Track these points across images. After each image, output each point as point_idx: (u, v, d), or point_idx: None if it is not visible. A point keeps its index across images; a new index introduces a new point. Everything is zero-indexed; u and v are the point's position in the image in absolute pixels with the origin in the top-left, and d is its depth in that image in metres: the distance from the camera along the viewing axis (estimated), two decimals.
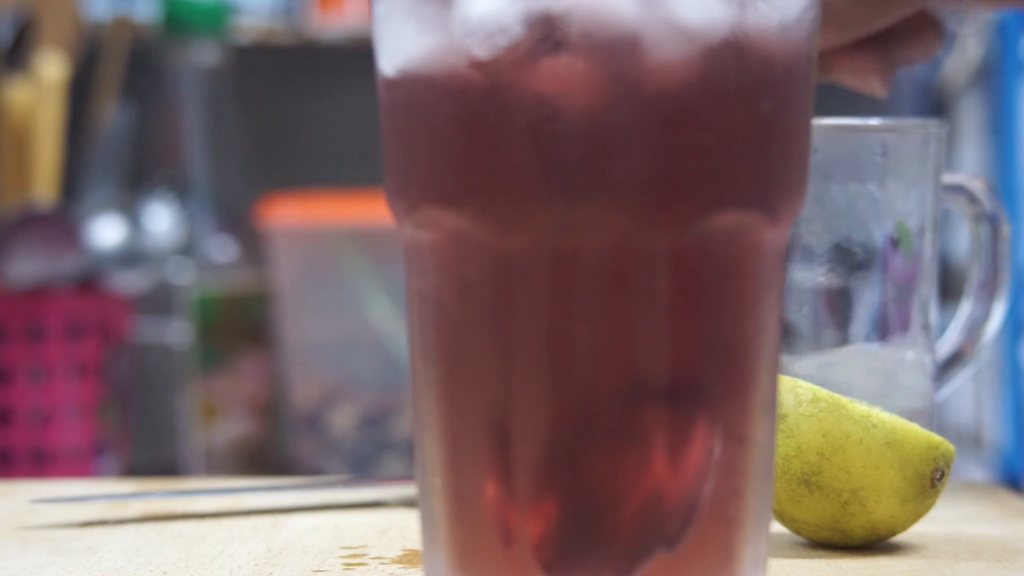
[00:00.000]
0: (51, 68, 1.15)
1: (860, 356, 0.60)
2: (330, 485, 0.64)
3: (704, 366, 0.42)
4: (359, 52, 1.38)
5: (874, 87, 0.61)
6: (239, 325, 1.31)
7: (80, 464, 1.13)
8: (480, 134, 0.41)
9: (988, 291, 0.65)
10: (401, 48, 0.43)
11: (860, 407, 0.51)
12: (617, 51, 0.40)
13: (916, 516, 0.52)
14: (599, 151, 0.40)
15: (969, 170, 1.59)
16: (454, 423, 0.42)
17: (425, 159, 0.42)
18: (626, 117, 0.40)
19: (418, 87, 0.42)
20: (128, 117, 1.27)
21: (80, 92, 1.20)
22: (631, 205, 0.40)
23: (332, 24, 1.49)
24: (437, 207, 0.42)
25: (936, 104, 1.62)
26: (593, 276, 0.40)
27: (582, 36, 0.40)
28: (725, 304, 0.42)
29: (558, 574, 0.41)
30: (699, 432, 0.41)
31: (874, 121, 0.61)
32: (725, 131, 0.41)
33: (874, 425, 0.51)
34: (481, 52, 0.41)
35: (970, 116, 1.59)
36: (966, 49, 1.49)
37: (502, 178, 0.40)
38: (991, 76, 1.45)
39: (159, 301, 1.27)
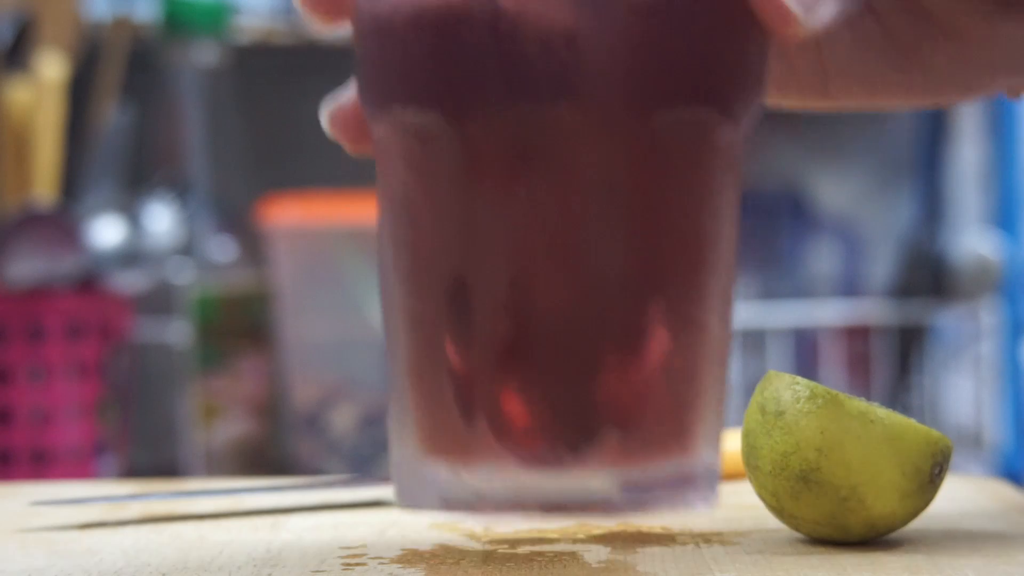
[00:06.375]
0: (51, 68, 1.15)
1: None
2: (330, 485, 0.64)
3: (659, 255, 0.43)
4: None
5: None
6: (239, 325, 1.31)
7: (80, 464, 1.13)
8: (442, 35, 0.42)
9: None
10: None
11: (858, 403, 0.51)
12: None
13: (915, 511, 0.52)
14: (555, 49, 0.41)
15: (969, 170, 1.59)
16: (418, 309, 0.44)
17: (392, 61, 0.44)
18: (582, 15, 0.41)
19: None
20: (128, 117, 1.28)
21: (80, 92, 1.20)
22: (587, 100, 0.42)
23: None
24: (405, 107, 0.43)
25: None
26: (551, 169, 0.42)
27: None
28: (680, 196, 0.43)
29: (514, 446, 0.42)
30: (654, 317, 0.43)
31: None
32: (679, 28, 0.42)
33: (872, 421, 0.51)
34: None
35: (970, 116, 1.59)
36: None
37: (463, 77, 0.42)
38: None
39: (159, 301, 1.27)
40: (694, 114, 0.43)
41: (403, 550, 0.53)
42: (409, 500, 0.46)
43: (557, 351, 0.43)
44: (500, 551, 0.52)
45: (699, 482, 0.45)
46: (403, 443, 0.45)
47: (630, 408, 0.43)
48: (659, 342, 0.43)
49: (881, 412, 0.51)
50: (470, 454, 0.43)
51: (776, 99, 0.56)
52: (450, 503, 0.45)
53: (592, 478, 0.43)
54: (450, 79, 0.43)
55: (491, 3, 0.42)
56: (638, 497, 0.44)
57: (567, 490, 0.43)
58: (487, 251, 0.43)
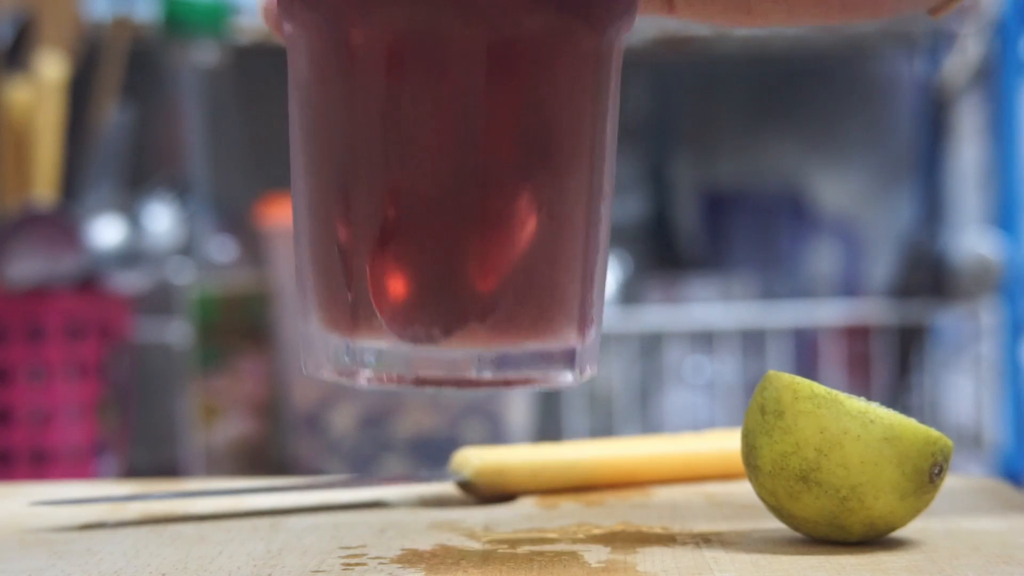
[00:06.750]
0: (51, 68, 1.15)
1: None
2: (330, 485, 0.64)
3: (521, 151, 0.47)
4: None
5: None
6: (239, 325, 1.31)
7: (80, 464, 1.13)
8: None
9: None
10: None
11: (858, 403, 0.51)
12: None
13: (915, 511, 0.52)
14: None
15: (969, 170, 1.59)
16: (315, 195, 0.49)
17: None
18: None
19: None
20: (128, 117, 1.27)
21: (80, 92, 1.20)
22: (442, 4, 0.46)
23: None
24: (302, 9, 0.48)
25: (936, 104, 1.62)
26: (420, 68, 0.46)
27: None
28: (540, 99, 0.47)
29: (392, 323, 0.47)
30: (516, 210, 0.47)
31: None
32: None
33: (872, 421, 0.51)
34: None
35: (970, 116, 1.59)
36: (966, 49, 1.49)
37: None
38: (991, 76, 1.45)
39: (159, 301, 1.27)
40: (557, 21, 0.47)
41: (403, 550, 0.53)
42: (312, 368, 0.50)
43: (429, 237, 0.47)
44: (500, 551, 0.52)
45: (560, 361, 0.49)
46: (305, 317, 0.50)
47: (495, 292, 0.47)
48: (522, 233, 0.48)
49: (881, 412, 0.51)
50: (357, 328, 0.48)
51: (702, 17, 0.59)
52: (341, 371, 0.49)
53: (460, 355, 0.47)
54: None
55: None
56: (502, 373, 0.48)
57: (438, 365, 0.48)
58: (368, 142, 0.47)
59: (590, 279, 0.50)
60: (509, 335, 0.48)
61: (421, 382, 0.48)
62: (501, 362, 0.48)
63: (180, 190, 1.31)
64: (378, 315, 0.48)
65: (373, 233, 0.48)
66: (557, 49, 0.47)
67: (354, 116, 0.48)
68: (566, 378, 0.49)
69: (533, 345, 0.48)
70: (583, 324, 0.50)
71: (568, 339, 0.49)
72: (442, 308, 0.47)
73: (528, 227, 0.48)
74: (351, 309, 0.48)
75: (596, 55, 0.48)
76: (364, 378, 0.48)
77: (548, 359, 0.49)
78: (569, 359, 0.49)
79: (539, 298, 0.48)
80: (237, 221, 1.34)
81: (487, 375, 0.48)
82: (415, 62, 0.47)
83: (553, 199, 0.48)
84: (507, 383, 0.48)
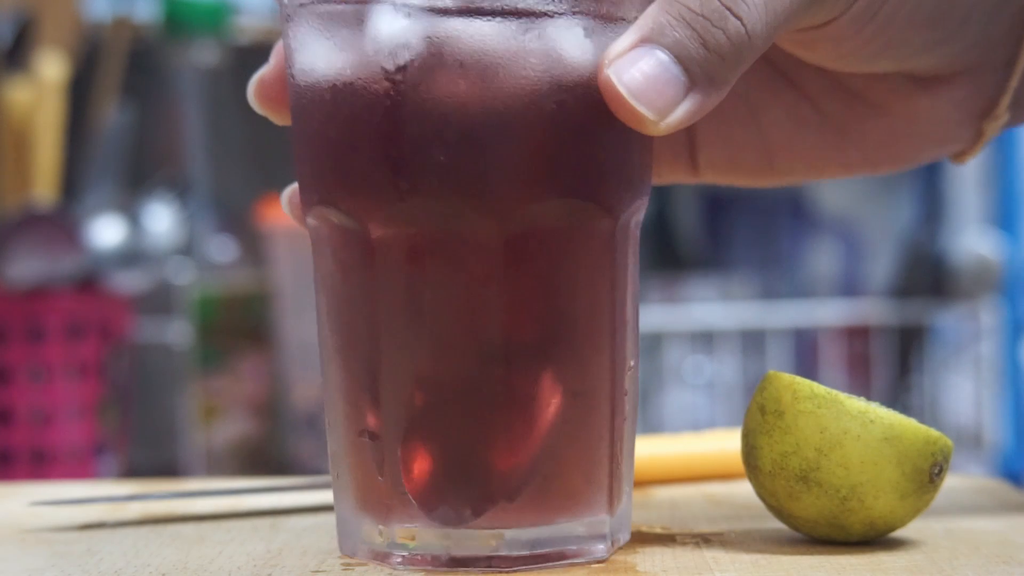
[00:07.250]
0: (51, 68, 1.15)
1: None
2: (330, 485, 0.64)
3: (542, 334, 0.48)
4: None
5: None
6: (239, 325, 1.31)
7: (80, 464, 1.13)
8: (344, 148, 0.48)
9: None
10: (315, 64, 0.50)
11: (858, 403, 0.51)
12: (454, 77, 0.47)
13: (915, 511, 0.52)
14: (436, 159, 0.47)
15: (969, 170, 1.59)
16: (344, 381, 0.50)
17: (310, 167, 0.50)
18: (451, 129, 0.47)
19: (301, 103, 0.50)
20: (128, 117, 1.27)
21: (80, 92, 1.20)
22: (458, 200, 0.47)
23: None
24: (324, 206, 0.50)
25: None
26: (439, 260, 0.48)
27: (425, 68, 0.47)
28: (557, 282, 0.49)
29: (424, 506, 0.49)
30: (539, 391, 0.48)
31: None
32: (565, 136, 0.48)
33: (872, 421, 0.51)
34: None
35: None
36: None
37: (362, 183, 0.48)
38: None
39: (159, 301, 1.27)
40: (572, 211, 0.48)
41: None
42: (348, 549, 0.52)
43: (455, 421, 0.48)
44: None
45: (592, 535, 0.50)
46: (341, 500, 0.51)
47: (522, 472, 0.48)
48: (546, 413, 0.49)
49: (881, 412, 0.51)
50: (390, 511, 0.49)
51: (727, 180, 0.61)
52: (376, 554, 0.50)
53: (492, 535, 0.48)
54: (351, 185, 0.49)
55: (383, 125, 0.47)
56: (534, 551, 0.49)
57: (471, 545, 0.49)
58: (392, 332, 0.49)
59: (618, 452, 0.51)
60: (539, 513, 0.49)
61: (455, 563, 0.49)
62: (533, 541, 0.49)
63: (180, 190, 1.31)
64: (410, 498, 0.49)
65: (401, 419, 0.49)
66: (573, 235, 0.49)
67: (377, 307, 0.49)
68: (598, 550, 0.50)
69: (564, 521, 0.49)
70: (612, 497, 0.51)
71: (598, 513, 0.50)
72: (471, 489, 0.48)
73: (552, 407, 0.49)
74: (384, 493, 0.49)
75: (612, 236, 0.50)
76: (399, 561, 0.50)
77: (580, 534, 0.50)
78: (600, 533, 0.50)
79: (567, 475, 0.49)
80: (237, 221, 1.34)
81: (520, 553, 0.49)
82: (434, 255, 0.48)
83: (576, 378, 0.49)
84: (540, 560, 0.49)
